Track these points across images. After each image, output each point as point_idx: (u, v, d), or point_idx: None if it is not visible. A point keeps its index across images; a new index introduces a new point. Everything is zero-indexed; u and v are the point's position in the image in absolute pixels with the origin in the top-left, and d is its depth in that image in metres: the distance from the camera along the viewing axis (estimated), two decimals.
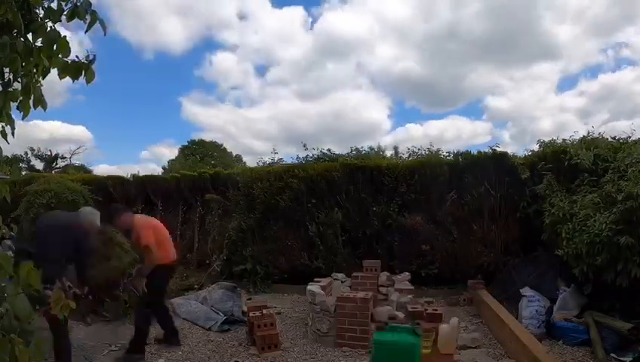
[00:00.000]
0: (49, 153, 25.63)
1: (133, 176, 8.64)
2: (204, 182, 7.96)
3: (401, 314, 4.15)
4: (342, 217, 6.40)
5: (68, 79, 1.37)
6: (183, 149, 28.90)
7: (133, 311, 4.26)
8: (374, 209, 6.28)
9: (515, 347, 3.59)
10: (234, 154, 29.68)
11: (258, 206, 6.75)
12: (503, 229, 5.89)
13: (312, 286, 4.44)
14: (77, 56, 1.39)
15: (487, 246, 5.90)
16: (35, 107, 1.39)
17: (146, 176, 8.64)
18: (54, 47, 1.34)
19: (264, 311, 4.08)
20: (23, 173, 18.35)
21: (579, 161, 4.75)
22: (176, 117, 43.99)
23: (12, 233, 1.56)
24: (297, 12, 47.58)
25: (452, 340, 3.00)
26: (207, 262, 7.25)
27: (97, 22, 1.38)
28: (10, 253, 4.10)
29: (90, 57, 1.41)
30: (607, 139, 5.28)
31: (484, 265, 5.87)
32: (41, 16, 1.38)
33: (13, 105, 1.40)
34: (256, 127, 42.95)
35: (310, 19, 47.52)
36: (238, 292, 5.39)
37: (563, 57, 41.94)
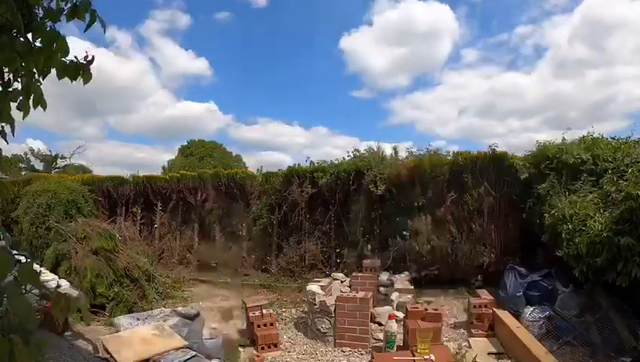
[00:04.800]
0: (49, 153, 25.63)
1: (133, 175, 8.64)
2: (204, 182, 7.97)
3: (401, 314, 4.16)
4: (340, 219, 6.42)
5: None
6: (182, 149, 28.90)
7: None
8: (374, 211, 6.30)
9: (515, 347, 3.59)
10: (234, 154, 29.66)
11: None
12: (502, 229, 5.89)
13: (312, 286, 4.44)
14: (75, 57, 1.39)
15: (487, 246, 5.91)
16: (34, 107, 1.39)
17: (145, 176, 8.64)
18: (54, 46, 1.34)
19: (264, 311, 4.09)
20: (23, 173, 18.35)
21: (579, 161, 4.75)
22: None
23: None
24: None
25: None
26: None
27: (97, 21, 1.38)
28: None
29: (89, 58, 1.41)
30: (607, 139, 5.27)
31: (483, 265, 5.88)
32: (40, 16, 1.38)
33: (13, 105, 1.40)
34: None
35: None
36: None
37: None
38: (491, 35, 40.48)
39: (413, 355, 2.97)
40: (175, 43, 43.00)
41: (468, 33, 40.61)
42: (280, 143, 42.48)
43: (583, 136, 5.30)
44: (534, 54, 40.32)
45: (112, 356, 3.23)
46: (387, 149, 7.22)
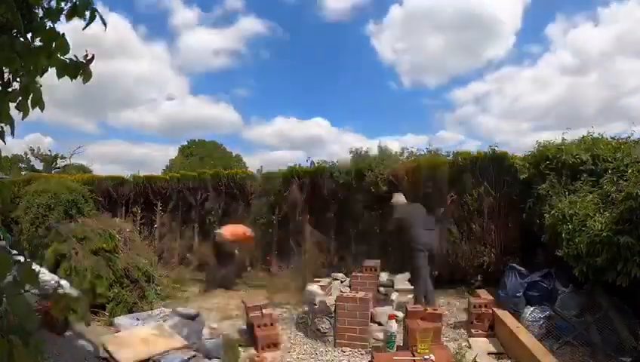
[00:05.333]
0: (49, 153, 25.68)
1: (133, 175, 8.64)
2: (204, 182, 7.97)
3: (401, 314, 4.16)
4: (339, 219, 6.43)
5: None
6: (182, 149, 28.93)
7: None
8: (373, 211, 6.30)
9: (515, 347, 3.59)
10: (234, 154, 29.68)
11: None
12: (502, 229, 5.90)
13: (312, 286, 4.44)
14: (75, 56, 1.39)
15: (486, 246, 5.91)
16: (33, 107, 1.39)
17: (145, 176, 8.64)
18: (53, 46, 1.34)
19: (264, 311, 4.08)
20: (23, 173, 18.35)
21: (578, 161, 4.75)
22: None
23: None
24: None
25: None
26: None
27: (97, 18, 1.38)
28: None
29: (89, 56, 1.41)
30: (607, 139, 5.27)
31: (483, 265, 5.88)
32: (40, 15, 1.38)
33: (12, 105, 1.40)
34: None
35: None
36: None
37: None
38: (528, 29, 39.88)
39: (413, 355, 2.97)
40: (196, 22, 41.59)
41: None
42: (297, 140, 42.18)
43: (583, 136, 5.30)
44: (567, 50, 39.80)
45: (112, 356, 3.23)
46: (389, 147, 7.26)
